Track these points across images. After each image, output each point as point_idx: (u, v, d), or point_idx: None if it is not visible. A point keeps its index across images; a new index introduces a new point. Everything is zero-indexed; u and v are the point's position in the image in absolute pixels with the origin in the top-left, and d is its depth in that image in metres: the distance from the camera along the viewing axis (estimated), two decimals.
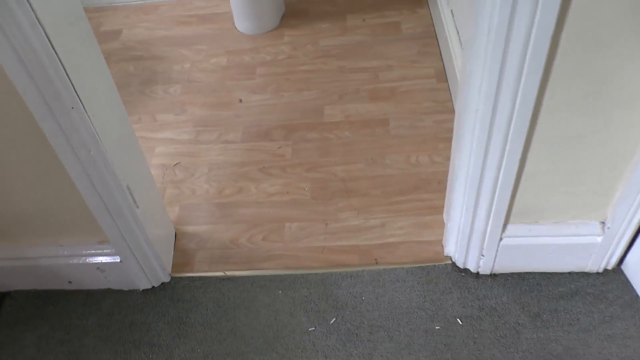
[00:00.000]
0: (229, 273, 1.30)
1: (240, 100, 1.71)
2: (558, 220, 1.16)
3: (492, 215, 1.11)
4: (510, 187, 1.05)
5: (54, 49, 0.83)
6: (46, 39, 0.82)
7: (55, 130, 0.92)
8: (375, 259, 1.30)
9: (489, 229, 1.14)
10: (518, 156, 0.99)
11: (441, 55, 1.77)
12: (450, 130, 1.55)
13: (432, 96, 1.66)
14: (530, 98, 0.88)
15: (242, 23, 1.96)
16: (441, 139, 1.54)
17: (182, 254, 1.34)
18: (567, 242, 1.18)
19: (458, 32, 1.60)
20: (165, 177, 1.52)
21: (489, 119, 0.93)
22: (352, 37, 1.90)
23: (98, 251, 1.20)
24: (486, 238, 1.17)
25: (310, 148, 1.55)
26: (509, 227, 1.16)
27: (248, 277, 1.29)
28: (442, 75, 1.72)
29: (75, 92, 0.89)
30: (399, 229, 1.35)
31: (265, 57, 1.86)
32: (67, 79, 0.87)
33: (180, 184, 1.50)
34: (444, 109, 1.62)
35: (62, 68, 0.85)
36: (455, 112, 1.05)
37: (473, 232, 1.16)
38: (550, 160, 1.02)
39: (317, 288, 1.27)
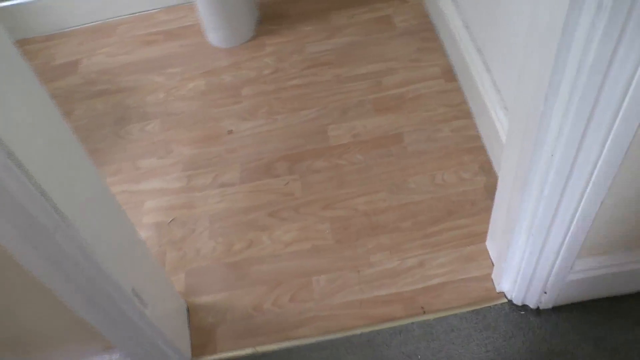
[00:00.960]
0: (259, 348, 1.13)
1: (231, 131, 1.51)
2: (630, 247, 1.01)
3: (559, 257, 0.95)
4: (587, 230, 0.89)
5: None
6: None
7: (32, 261, 0.72)
8: (422, 307, 1.14)
9: (554, 269, 0.99)
10: (601, 198, 0.82)
11: (444, 50, 1.59)
12: (473, 138, 1.38)
13: (445, 99, 1.48)
14: (626, 139, 0.72)
15: (214, 35, 1.74)
16: (465, 150, 1.37)
17: (200, 333, 1.16)
18: (638, 267, 1.03)
19: (467, 27, 1.41)
20: (162, 238, 1.33)
21: (569, 165, 0.77)
22: (342, 39, 1.70)
23: (105, 357, 1.02)
24: (551, 277, 1.01)
25: (321, 180, 1.37)
26: (577, 262, 1.00)
27: (283, 350, 1.12)
28: (449, 74, 1.54)
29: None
30: (441, 267, 1.19)
31: (248, 73, 1.66)
32: (44, 199, 0.67)
33: (182, 244, 1.31)
34: (460, 113, 1.44)
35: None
36: (508, 154, 0.88)
37: (536, 273, 1.01)
38: (634, 190, 0.86)
39: (364, 351, 1.11)
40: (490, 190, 1.28)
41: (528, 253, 0.96)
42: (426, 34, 1.66)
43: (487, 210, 1.24)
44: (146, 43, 1.84)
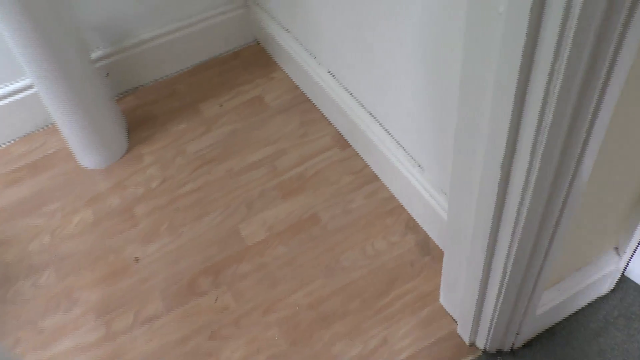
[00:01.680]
0: None
1: (137, 259, 1.40)
2: (580, 266, 1.06)
3: (532, 299, 0.97)
4: (552, 264, 0.91)
5: None
6: None
7: None
8: None
9: (527, 311, 1.01)
10: (562, 234, 0.85)
11: (328, 119, 1.60)
12: (388, 200, 1.40)
13: (346, 168, 1.49)
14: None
15: (86, 157, 1.62)
16: (384, 213, 1.37)
17: None
18: (590, 281, 1.09)
19: (351, 94, 1.43)
20: None
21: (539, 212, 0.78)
22: (220, 130, 1.66)
23: None
24: (524, 320, 1.03)
25: (251, 285, 1.30)
26: (544, 296, 1.03)
27: None
28: (342, 141, 1.55)
29: None
30: (405, 338, 1.17)
31: (135, 191, 1.55)
32: None
33: None
34: (366, 178, 1.45)
35: None
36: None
37: (511, 320, 1.02)
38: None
39: None
40: (423, 246, 1.29)
41: (500, 303, 0.97)
42: (304, 106, 1.67)
43: (428, 267, 1.25)
44: (10, 183, 1.66)
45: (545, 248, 0.84)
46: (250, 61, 1.86)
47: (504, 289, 0.92)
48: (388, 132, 1.33)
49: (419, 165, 1.25)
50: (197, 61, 1.87)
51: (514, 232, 0.79)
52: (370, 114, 1.37)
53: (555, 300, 1.05)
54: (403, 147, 1.29)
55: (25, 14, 1.29)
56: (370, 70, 1.25)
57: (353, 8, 1.19)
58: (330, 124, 1.59)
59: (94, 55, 1.72)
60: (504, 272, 0.88)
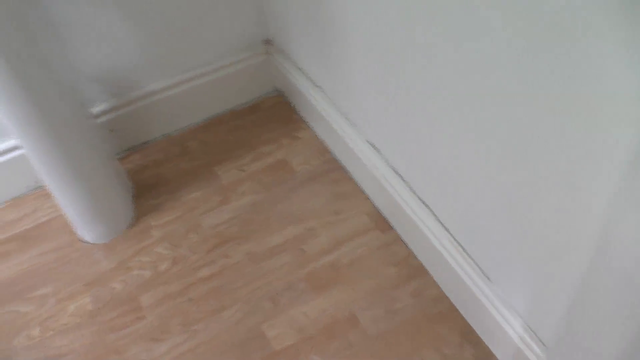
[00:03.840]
0: None
1: None
2: None
3: None
4: None
5: None
6: None
7: None
8: None
9: None
10: None
11: (365, 192, 1.40)
12: (439, 299, 1.19)
13: (388, 256, 1.28)
14: None
15: (85, 229, 1.41)
16: (435, 316, 1.17)
17: None
18: None
19: (395, 170, 1.23)
20: None
21: None
22: (240, 201, 1.45)
23: None
24: None
25: None
26: None
27: None
28: (381, 221, 1.35)
29: None
30: None
31: (141, 274, 1.35)
32: None
33: None
34: (412, 270, 1.25)
35: None
36: None
37: None
38: None
39: None
40: None
41: None
42: (335, 175, 1.46)
43: None
44: None
45: None
46: (271, 115, 1.66)
47: None
48: (433, 213, 1.13)
49: (488, 278, 1.04)
50: (211, 114, 1.67)
51: None
52: (412, 190, 1.17)
53: None
54: (447, 229, 1.09)
55: (8, 69, 1.08)
56: (424, 156, 1.05)
57: (409, 94, 0.99)
58: (367, 198, 1.39)
59: (96, 109, 1.52)
60: None
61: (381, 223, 1.34)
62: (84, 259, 1.40)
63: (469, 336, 1.14)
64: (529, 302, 0.94)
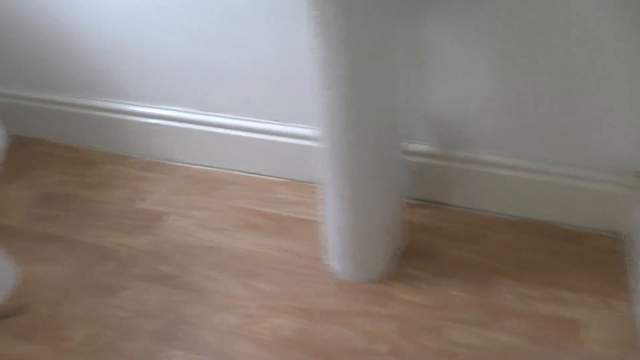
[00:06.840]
0: None
1: None
2: None
3: None
4: None
5: None
6: None
7: None
8: None
9: None
10: None
11: None
12: None
13: None
14: None
15: (333, 253, 1.27)
16: None
17: None
18: None
19: None
20: None
21: None
22: (498, 335, 1.16)
23: None
24: None
25: None
26: None
27: None
28: None
29: None
30: None
31: (354, 338, 1.16)
32: None
33: None
34: None
35: None
36: None
37: None
38: None
39: None
40: None
41: None
42: None
43: None
44: (243, 225, 1.41)
45: None
46: (593, 258, 1.31)
47: None
48: None
49: None
50: (526, 215, 1.39)
51: None
52: None
53: None
54: None
55: (356, 76, 0.97)
56: None
57: None
58: None
59: (412, 146, 1.36)
60: None
61: None
62: (314, 284, 1.27)
63: None
64: None
